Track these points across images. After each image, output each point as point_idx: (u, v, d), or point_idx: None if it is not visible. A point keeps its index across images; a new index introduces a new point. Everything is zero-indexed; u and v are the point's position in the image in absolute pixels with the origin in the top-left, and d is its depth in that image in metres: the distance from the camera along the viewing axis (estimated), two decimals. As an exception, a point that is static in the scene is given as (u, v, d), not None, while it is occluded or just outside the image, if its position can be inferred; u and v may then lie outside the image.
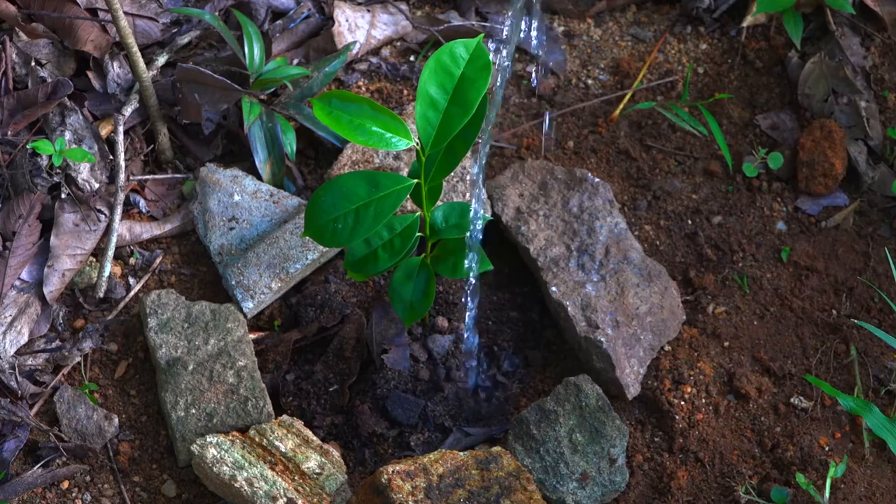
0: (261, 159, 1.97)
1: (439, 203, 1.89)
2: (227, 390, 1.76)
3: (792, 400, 1.83)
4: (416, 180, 1.59)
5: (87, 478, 1.75)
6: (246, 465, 1.66)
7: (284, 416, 1.75)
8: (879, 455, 1.79)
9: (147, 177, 2.00)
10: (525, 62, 2.18)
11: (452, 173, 1.95)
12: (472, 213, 1.65)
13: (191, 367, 1.78)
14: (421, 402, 1.82)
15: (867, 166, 2.04)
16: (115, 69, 2.03)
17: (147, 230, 1.95)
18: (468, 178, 1.95)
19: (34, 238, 1.89)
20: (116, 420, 1.78)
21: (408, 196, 1.59)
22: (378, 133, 1.53)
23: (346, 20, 2.13)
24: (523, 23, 1.48)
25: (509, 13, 1.54)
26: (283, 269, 1.86)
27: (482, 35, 1.57)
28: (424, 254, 1.74)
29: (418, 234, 1.69)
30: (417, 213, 1.68)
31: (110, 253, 1.88)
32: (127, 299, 1.90)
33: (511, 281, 1.96)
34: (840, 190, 2.04)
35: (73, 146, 1.92)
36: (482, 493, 1.62)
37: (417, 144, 1.55)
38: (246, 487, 1.63)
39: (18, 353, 1.83)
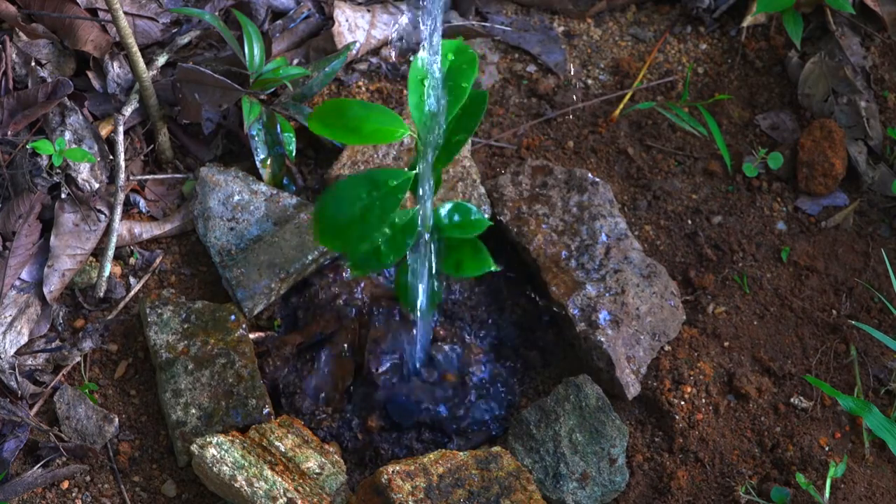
0: (261, 159, 1.98)
1: (441, 196, 1.89)
2: (227, 390, 1.76)
3: (792, 400, 1.83)
4: (414, 171, 1.59)
5: (87, 478, 1.75)
6: (246, 464, 1.66)
7: (284, 416, 1.75)
8: (879, 455, 1.79)
9: (147, 177, 2.00)
10: (525, 62, 2.18)
11: (453, 172, 1.95)
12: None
13: (191, 367, 1.78)
14: (420, 403, 1.82)
15: (867, 166, 2.04)
16: (115, 69, 2.03)
17: (147, 230, 1.95)
18: (468, 177, 1.95)
19: (34, 238, 1.89)
20: (116, 420, 1.78)
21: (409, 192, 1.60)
22: (374, 130, 1.54)
23: (346, 20, 2.13)
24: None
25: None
26: (283, 269, 1.86)
27: (461, 38, 1.60)
28: (427, 251, 1.74)
29: (419, 228, 1.69)
30: (417, 208, 1.68)
31: (110, 253, 1.88)
32: (127, 299, 1.90)
33: (511, 281, 1.96)
34: (840, 190, 2.04)
35: (73, 146, 1.92)
36: (482, 493, 1.62)
37: (414, 133, 1.56)
38: (246, 487, 1.63)
39: (18, 353, 1.83)
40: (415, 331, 1.88)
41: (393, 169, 1.59)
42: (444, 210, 1.73)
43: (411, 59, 2.17)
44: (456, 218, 1.73)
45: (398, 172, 1.58)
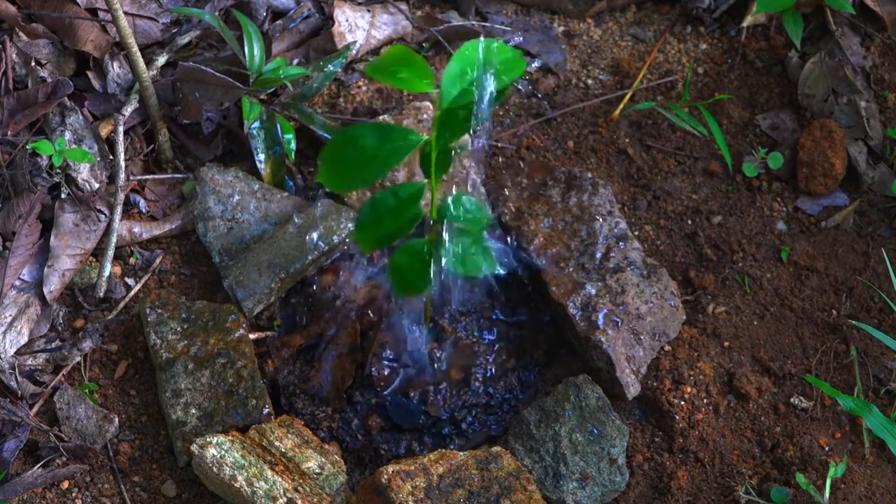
0: (261, 159, 1.98)
1: (443, 193, 1.89)
2: (227, 390, 1.76)
3: (792, 400, 1.83)
4: (425, 136, 1.59)
5: (87, 478, 1.75)
6: (246, 465, 1.66)
7: (284, 416, 1.75)
8: (879, 455, 1.79)
9: (147, 177, 2.00)
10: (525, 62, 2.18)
11: (452, 172, 1.95)
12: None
13: (190, 367, 1.78)
14: (421, 404, 1.82)
15: (867, 166, 2.04)
16: (115, 69, 2.03)
17: (147, 230, 1.95)
18: (469, 179, 1.95)
19: (34, 238, 1.89)
20: (116, 420, 1.78)
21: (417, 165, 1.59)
22: (406, 78, 1.55)
23: (346, 20, 2.14)
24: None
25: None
26: (283, 268, 1.86)
27: (521, 55, 1.61)
28: (429, 236, 1.74)
29: (424, 209, 1.68)
30: (424, 182, 1.67)
31: (110, 253, 1.88)
32: (127, 299, 1.90)
33: (511, 281, 1.96)
34: (840, 190, 2.04)
35: (73, 146, 1.92)
36: (482, 493, 1.62)
37: (436, 94, 1.56)
38: (246, 487, 1.63)
39: (18, 353, 1.83)
40: (416, 332, 1.88)
41: (406, 128, 1.60)
42: (451, 198, 1.72)
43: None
44: (463, 207, 1.72)
45: (411, 132, 1.59)
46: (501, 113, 2.12)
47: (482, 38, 1.59)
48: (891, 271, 1.84)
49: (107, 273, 1.88)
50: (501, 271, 1.74)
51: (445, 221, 1.71)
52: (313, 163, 2.05)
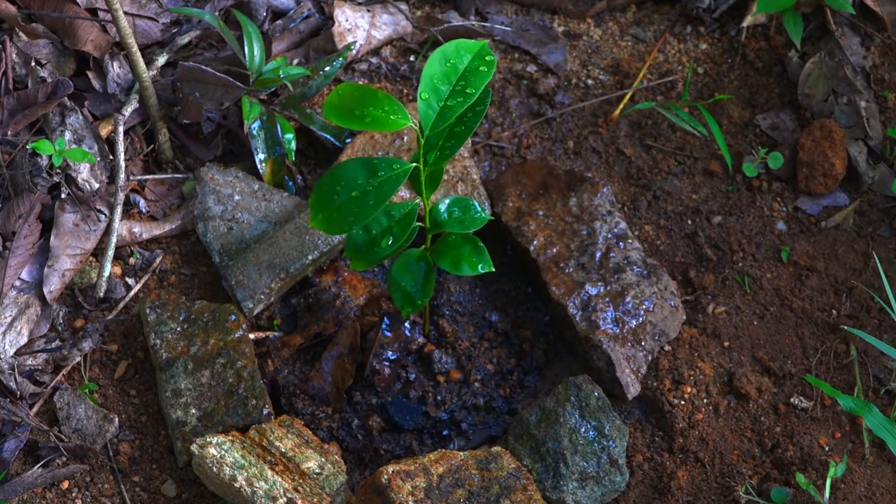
0: (261, 159, 1.98)
1: (442, 196, 1.89)
2: (227, 390, 1.76)
3: (792, 400, 1.83)
4: (414, 164, 1.59)
5: (87, 478, 1.75)
6: (246, 464, 1.65)
7: (284, 416, 1.75)
8: (879, 455, 1.79)
9: (147, 177, 2.00)
10: (525, 62, 2.18)
11: (453, 172, 1.95)
12: None
13: (191, 367, 1.78)
14: (421, 405, 1.82)
15: (867, 166, 2.04)
16: (115, 69, 2.03)
17: (147, 230, 1.95)
18: (469, 177, 1.95)
19: (34, 238, 1.89)
20: (116, 420, 1.78)
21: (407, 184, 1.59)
22: (377, 116, 1.54)
23: (346, 20, 2.14)
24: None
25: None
26: (283, 269, 1.86)
27: (486, 41, 1.59)
28: (424, 245, 1.74)
29: (418, 223, 1.69)
30: (417, 201, 1.67)
31: (110, 253, 1.88)
32: (127, 299, 1.90)
33: (511, 281, 1.96)
34: (840, 190, 2.04)
35: (73, 146, 1.92)
36: (482, 493, 1.62)
37: (416, 125, 1.55)
38: (246, 487, 1.63)
39: (18, 353, 1.83)
40: (417, 332, 1.88)
41: (394, 159, 1.59)
42: (444, 205, 1.72)
43: (411, 59, 2.18)
44: (456, 213, 1.72)
45: (397, 161, 1.58)
46: (502, 113, 2.12)
47: (442, 49, 1.57)
48: (883, 276, 1.83)
49: (107, 273, 1.88)
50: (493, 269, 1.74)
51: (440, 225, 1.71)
52: (313, 163, 2.06)
